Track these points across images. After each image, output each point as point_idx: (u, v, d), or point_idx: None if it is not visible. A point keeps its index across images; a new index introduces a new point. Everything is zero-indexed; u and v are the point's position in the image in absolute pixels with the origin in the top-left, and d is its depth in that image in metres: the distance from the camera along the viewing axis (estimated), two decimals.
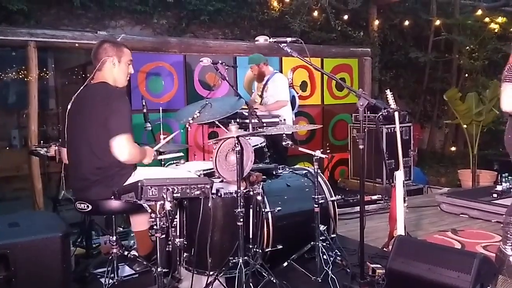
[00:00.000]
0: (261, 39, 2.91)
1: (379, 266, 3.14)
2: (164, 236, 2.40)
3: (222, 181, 3.00)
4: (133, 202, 2.41)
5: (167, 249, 2.74)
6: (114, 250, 2.87)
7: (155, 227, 2.34)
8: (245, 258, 2.73)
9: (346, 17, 7.18)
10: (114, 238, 2.89)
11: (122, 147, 2.58)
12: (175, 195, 2.36)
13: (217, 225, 2.86)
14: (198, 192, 2.43)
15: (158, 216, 2.33)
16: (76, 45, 4.91)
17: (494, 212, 4.49)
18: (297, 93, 5.64)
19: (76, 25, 5.85)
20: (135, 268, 3.21)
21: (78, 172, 2.73)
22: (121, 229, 3.95)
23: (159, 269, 2.37)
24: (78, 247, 3.58)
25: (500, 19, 7.61)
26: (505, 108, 3.13)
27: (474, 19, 7.77)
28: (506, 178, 5.06)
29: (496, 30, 7.63)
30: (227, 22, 6.87)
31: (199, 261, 2.81)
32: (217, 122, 3.76)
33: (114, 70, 2.82)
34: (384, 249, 3.71)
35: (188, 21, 6.61)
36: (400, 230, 3.48)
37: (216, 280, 2.77)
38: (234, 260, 2.73)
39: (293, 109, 5.16)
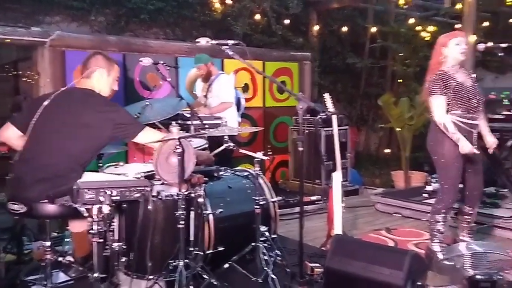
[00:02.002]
0: (203, 41, 2.90)
1: (317, 265, 3.23)
2: (101, 240, 2.34)
3: (163, 184, 2.96)
4: (68, 206, 2.34)
5: (104, 253, 2.67)
6: (48, 256, 2.74)
7: (91, 231, 2.28)
8: (186, 260, 2.71)
9: (287, 21, 7.29)
10: (48, 243, 2.75)
11: (148, 139, 2.74)
12: (113, 198, 2.31)
13: (158, 228, 2.82)
14: (138, 195, 2.39)
15: (95, 220, 2.27)
16: (7, 41, 4.65)
17: (425, 211, 4.72)
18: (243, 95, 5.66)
19: (8, 20, 5.52)
20: (71, 274, 3.10)
21: (29, 167, 2.61)
22: (56, 234, 3.80)
23: (95, 275, 2.30)
24: (9, 253, 3.40)
25: (431, 28, 8.01)
26: (438, 119, 3.31)
27: (407, 28, 8.12)
28: (436, 179, 5.31)
29: (427, 39, 8.01)
30: (168, 21, 6.75)
31: (138, 265, 2.75)
32: (158, 124, 3.70)
33: (102, 81, 2.86)
34: (323, 248, 3.81)
35: (128, 19, 6.43)
36: (337, 230, 3.59)
37: (156, 284, 2.73)
38: (174, 263, 2.70)
39: (238, 111, 5.17)
